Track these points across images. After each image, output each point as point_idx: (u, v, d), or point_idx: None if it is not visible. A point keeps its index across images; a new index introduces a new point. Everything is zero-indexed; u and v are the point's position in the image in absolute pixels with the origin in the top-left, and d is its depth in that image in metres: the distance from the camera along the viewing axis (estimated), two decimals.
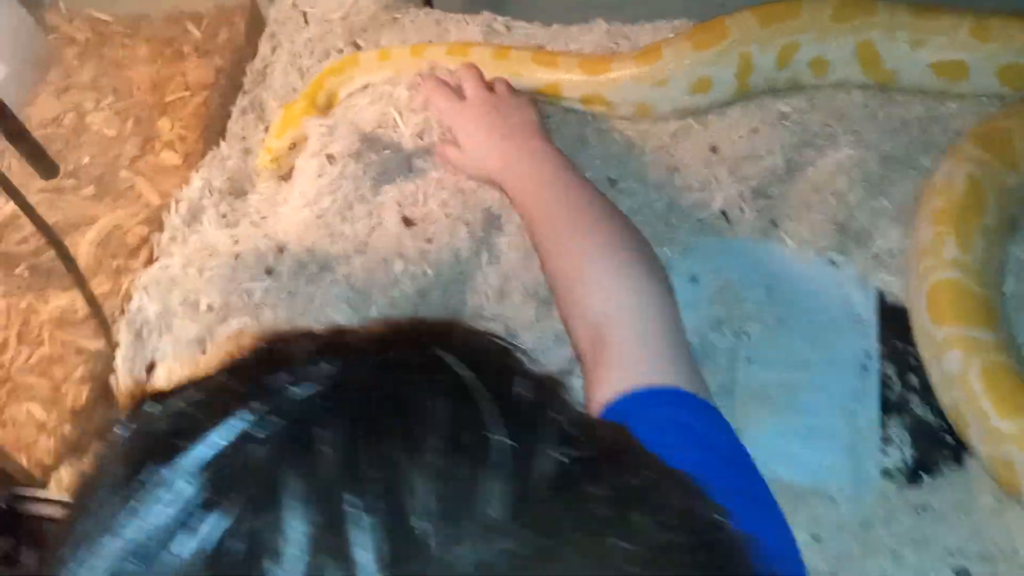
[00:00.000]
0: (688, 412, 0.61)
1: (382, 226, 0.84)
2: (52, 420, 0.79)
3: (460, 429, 0.27)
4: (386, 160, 0.86)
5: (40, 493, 0.69)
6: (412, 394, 0.28)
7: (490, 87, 0.89)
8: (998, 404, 0.69)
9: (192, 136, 0.97)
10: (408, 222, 0.84)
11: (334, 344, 0.31)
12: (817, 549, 0.71)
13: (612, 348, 0.65)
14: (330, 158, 0.85)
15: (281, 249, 0.81)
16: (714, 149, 0.90)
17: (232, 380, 0.30)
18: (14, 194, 0.67)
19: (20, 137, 0.64)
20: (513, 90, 0.90)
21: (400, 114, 0.88)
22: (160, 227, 0.89)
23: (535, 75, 0.92)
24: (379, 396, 0.28)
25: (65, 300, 0.85)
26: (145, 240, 0.91)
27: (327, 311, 0.75)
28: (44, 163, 0.64)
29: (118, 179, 0.97)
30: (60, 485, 0.71)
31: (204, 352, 0.77)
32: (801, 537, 0.71)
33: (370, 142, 0.84)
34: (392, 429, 0.27)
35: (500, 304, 0.82)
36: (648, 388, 0.61)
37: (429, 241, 0.83)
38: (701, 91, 0.90)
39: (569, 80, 0.92)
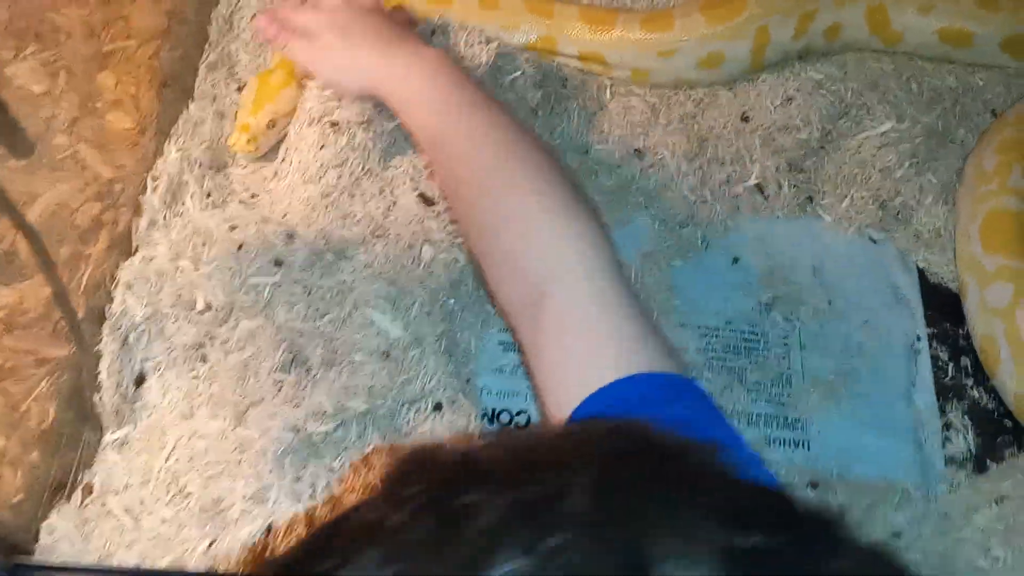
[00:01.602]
0: (684, 405, 0.51)
1: (398, 205, 0.73)
2: (14, 448, 0.64)
3: None
4: (397, 128, 0.74)
5: (40, 558, 0.55)
6: None
7: None
8: None
9: (146, 95, 0.82)
10: (427, 200, 0.74)
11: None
12: (900, 547, 0.68)
13: (564, 316, 0.55)
14: (334, 126, 0.73)
15: (291, 236, 0.68)
16: (745, 118, 0.84)
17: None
18: None
19: None
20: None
21: None
22: (122, 206, 0.74)
23: (530, 25, 0.83)
24: None
25: (12, 297, 0.70)
26: (98, 220, 0.76)
27: (365, 311, 0.64)
28: (16, 139, 0.50)
29: (52, 146, 0.80)
30: (52, 534, 0.58)
31: (204, 360, 0.65)
32: (881, 536, 0.68)
33: (382, 107, 0.73)
34: None
35: None
36: (630, 377, 0.51)
37: (456, 222, 0.73)
38: (710, 66, 0.83)
39: (567, 34, 0.83)
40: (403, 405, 0.63)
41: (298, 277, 0.67)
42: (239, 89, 0.81)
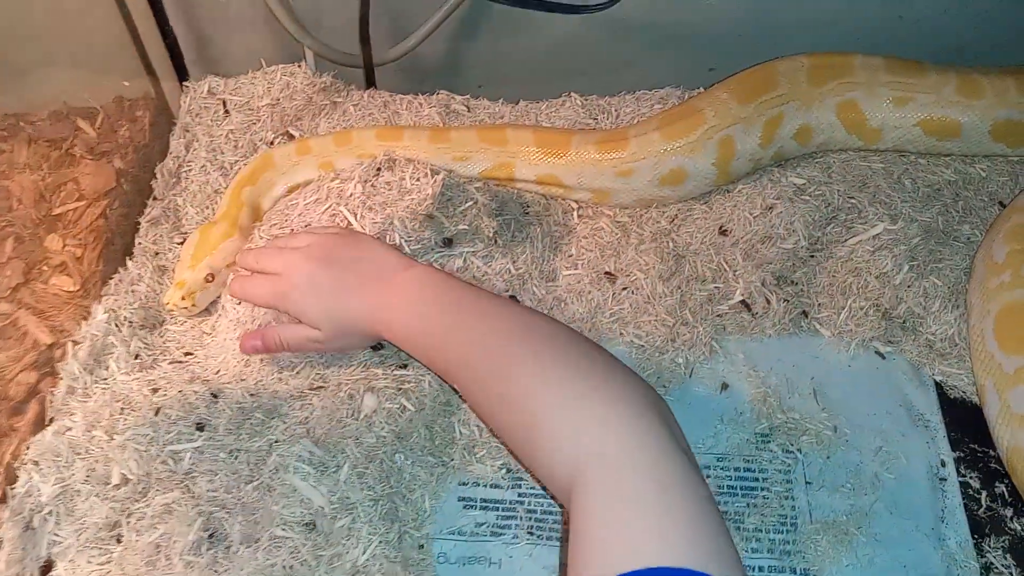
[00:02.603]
0: None
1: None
2: None
3: None
4: None
5: None
6: None
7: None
8: None
9: (90, 255, 0.79)
10: (374, 345, 0.68)
11: None
12: None
13: (577, 512, 0.48)
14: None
15: (215, 396, 0.63)
16: (724, 231, 0.78)
17: None
18: None
19: None
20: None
21: (355, 214, 0.72)
22: (53, 375, 0.70)
23: (483, 155, 0.79)
24: None
25: None
26: (33, 391, 0.71)
27: (285, 477, 0.57)
28: None
29: None
30: None
31: (119, 541, 0.58)
32: None
33: None
34: None
35: (492, 451, 0.66)
36: (644, 570, 0.43)
37: (404, 367, 0.66)
38: (673, 183, 0.78)
39: (522, 159, 0.79)
40: None
41: (223, 441, 0.61)
42: (181, 242, 0.78)
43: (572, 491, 0.49)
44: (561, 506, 0.64)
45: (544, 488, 0.65)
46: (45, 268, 0.80)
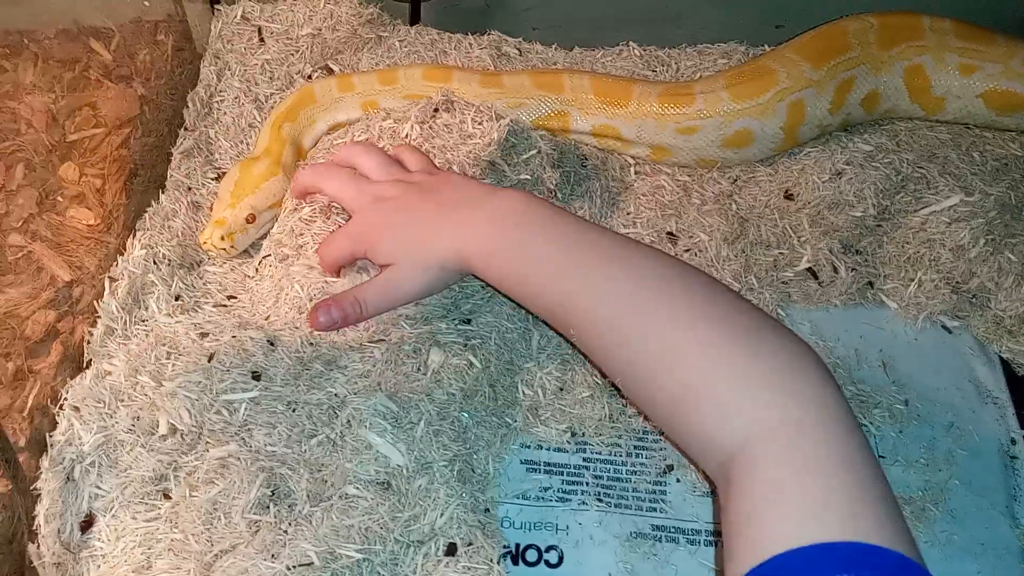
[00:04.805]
0: None
1: None
2: None
3: None
4: None
5: None
6: None
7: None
8: None
9: (112, 186, 0.73)
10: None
11: None
12: None
13: (754, 485, 0.44)
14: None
15: (272, 343, 0.58)
16: (789, 196, 0.75)
17: None
18: None
19: None
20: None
21: None
22: (80, 313, 0.64)
23: (538, 102, 0.74)
24: None
25: None
26: (52, 331, 0.65)
27: (360, 432, 0.52)
28: None
29: (6, 247, 0.70)
30: None
31: (167, 497, 0.53)
32: None
33: None
34: None
35: (561, 397, 0.63)
36: (812, 545, 0.40)
37: (467, 321, 0.62)
38: (738, 145, 0.74)
39: (580, 108, 0.75)
40: (408, 548, 0.51)
41: (280, 392, 0.56)
42: (218, 178, 0.72)
43: (737, 462, 0.44)
44: (713, 490, 0.60)
45: (694, 465, 0.60)
46: (60, 199, 0.73)
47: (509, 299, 0.60)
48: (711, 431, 0.46)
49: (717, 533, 0.59)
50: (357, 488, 0.51)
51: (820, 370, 0.46)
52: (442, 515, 0.52)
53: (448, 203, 0.57)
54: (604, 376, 0.61)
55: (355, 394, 0.55)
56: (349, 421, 0.53)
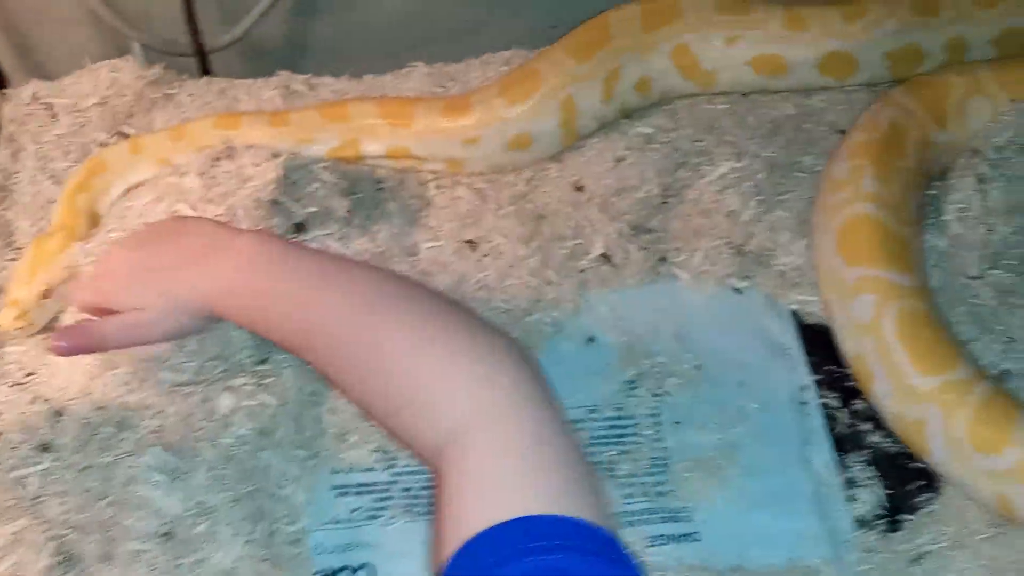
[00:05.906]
0: (577, 556, 0.41)
1: None
2: None
3: None
4: None
5: None
6: None
7: None
8: (915, 358, 0.62)
9: None
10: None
11: None
12: None
13: (457, 474, 0.46)
14: None
15: (59, 413, 0.60)
16: (579, 188, 0.78)
17: None
18: None
19: None
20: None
21: (194, 208, 0.69)
22: None
23: (327, 134, 0.76)
24: None
25: None
26: None
27: (135, 489, 0.54)
28: None
29: None
30: None
31: None
32: None
33: None
34: None
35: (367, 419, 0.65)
36: (514, 519, 0.42)
37: (263, 361, 0.64)
38: (520, 147, 0.77)
39: (370, 133, 0.77)
40: None
41: (72, 460, 0.58)
42: (17, 260, 0.73)
43: (446, 453, 0.47)
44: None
45: (422, 462, 0.64)
46: None
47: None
48: (424, 431, 0.49)
49: None
50: (140, 543, 0.53)
51: (515, 357, 0.49)
52: (228, 555, 0.54)
53: (191, 247, 0.59)
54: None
55: (139, 451, 0.57)
56: (126, 480, 0.55)
